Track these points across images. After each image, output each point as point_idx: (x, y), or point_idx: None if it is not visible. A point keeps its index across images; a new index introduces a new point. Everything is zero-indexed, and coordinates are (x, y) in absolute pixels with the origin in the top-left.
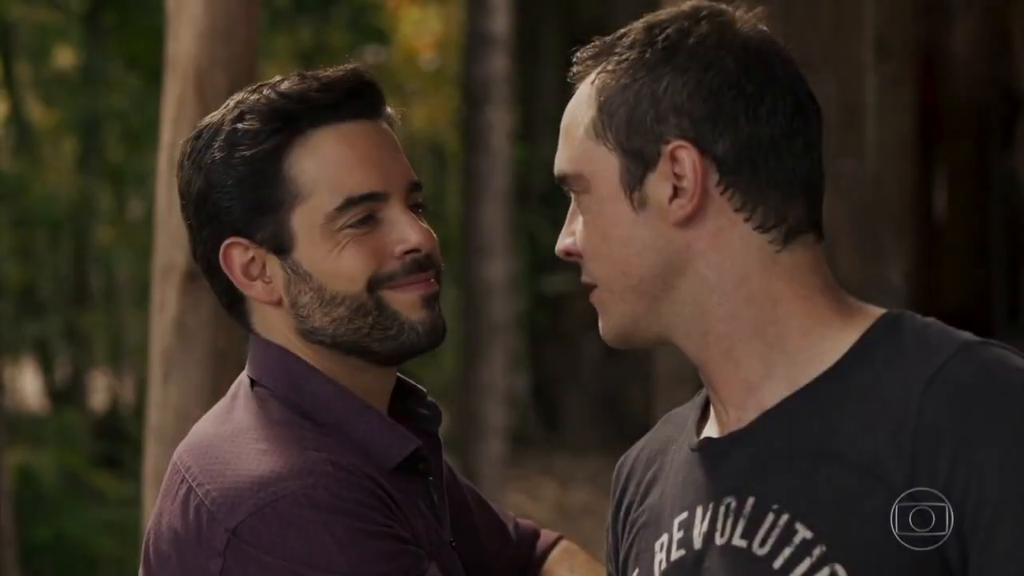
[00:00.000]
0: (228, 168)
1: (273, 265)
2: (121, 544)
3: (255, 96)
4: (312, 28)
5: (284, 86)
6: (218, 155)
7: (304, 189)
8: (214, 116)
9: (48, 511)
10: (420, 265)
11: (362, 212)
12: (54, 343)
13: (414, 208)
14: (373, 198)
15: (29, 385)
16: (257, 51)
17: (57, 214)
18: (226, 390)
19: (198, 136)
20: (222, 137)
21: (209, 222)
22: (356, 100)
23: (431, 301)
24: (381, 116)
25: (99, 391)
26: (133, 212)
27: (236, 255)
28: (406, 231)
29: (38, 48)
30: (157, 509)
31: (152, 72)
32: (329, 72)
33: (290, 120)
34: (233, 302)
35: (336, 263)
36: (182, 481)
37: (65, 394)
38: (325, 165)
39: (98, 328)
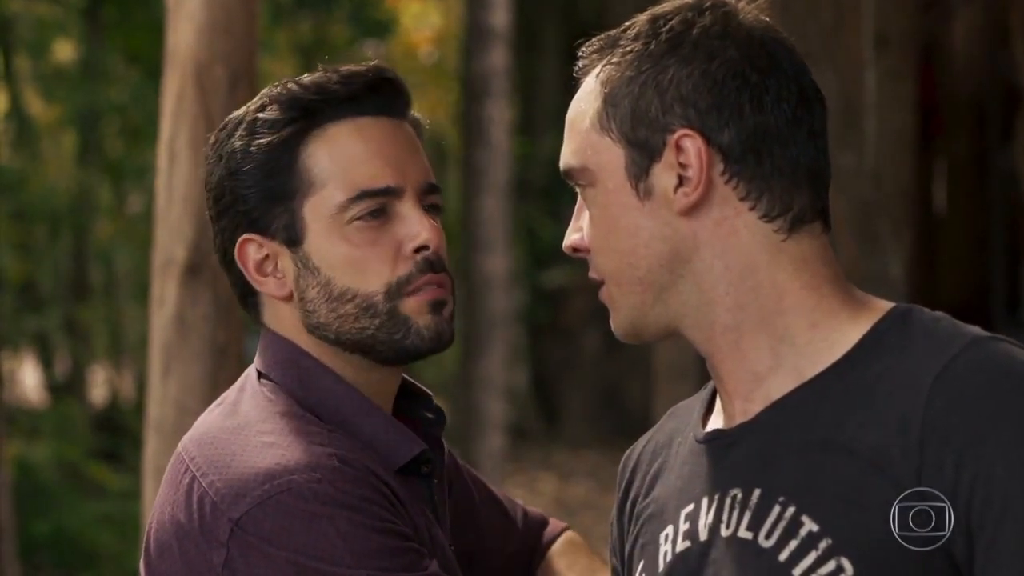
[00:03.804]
0: (246, 156)
1: (285, 260)
2: (120, 538)
3: (279, 89)
4: (312, 22)
5: (306, 79)
6: (238, 144)
7: (317, 180)
8: (241, 109)
9: (47, 505)
10: (432, 266)
11: (373, 205)
12: (54, 337)
13: (430, 209)
14: (385, 193)
15: (29, 379)
16: (257, 45)
17: (57, 208)
18: (225, 384)
19: (223, 128)
20: (243, 126)
21: (227, 211)
22: (376, 95)
23: (439, 307)
24: (403, 115)
25: (99, 385)
26: (133, 206)
27: (251, 251)
28: (416, 227)
29: (37, 42)
30: (159, 499)
31: (152, 66)
32: (352, 67)
33: (308, 111)
34: (246, 294)
35: (346, 257)
36: (186, 471)
37: (65, 388)
38: (339, 157)
39: (98, 322)
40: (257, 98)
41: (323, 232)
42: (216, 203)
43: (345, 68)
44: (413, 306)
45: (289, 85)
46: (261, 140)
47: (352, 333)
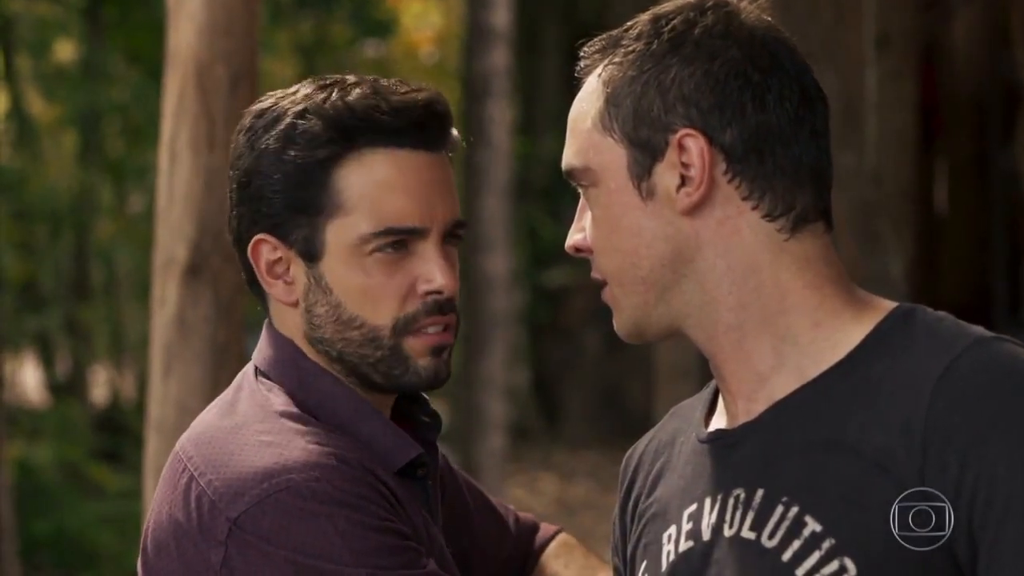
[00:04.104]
0: (278, 162)
1: (298, 269)
2: (121, 538)
3: (323, 95)
4: (313, 22)
5: (354, 95)
6: (272, 144)
7: (346, 204)
8: (283, 99)
9: (48, 505)
10: (441, 308)
11: (395, 240)
12: (55, 337)
13: (451, 238)
14: (410, 233)
15: (30, 379)
16: (258, 45)
17: (57, 208)
18: (226, 384)
19: (260, 115)
20: (281, 127)
21: (248, 203)
22: (421, 131)
23: (440, 350)
24: (442, 148)
25: (99, 385)
26: (134, 206)
27: (264, 251)
28: (434, 271)
29: (38, 42)
30: (157, 498)
31: (153, 66)
32: (403, 94)
33: (349, 135)
34: (254, 281)
35: (360, 286)
36: (183, 470)
37: (66, 388)
38: (371, 187)
39: (99, 322)
40: (300, 96)
41: (342, 256)
42: (240, 189)
43: (396, 96)
44: (416, 347)
45: (335, 98)
46: (295, 152)
47: (354, 357)
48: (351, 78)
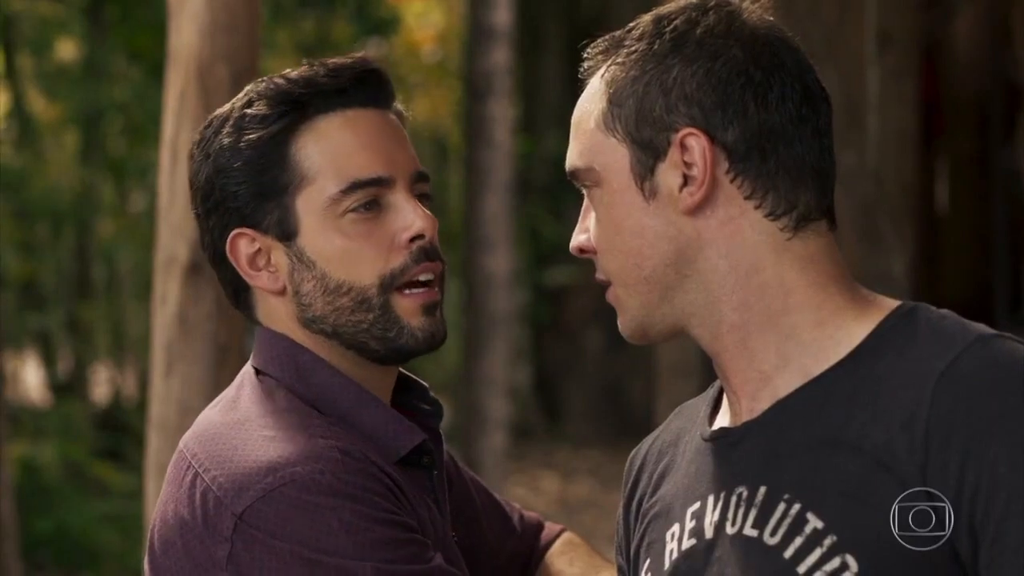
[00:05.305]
0: (235, 153)
1: (278, 254)
2: (123, 536)
3: (264, 84)
4: (315, 20)
5: (293, 74)
6: (226, 141)
7: (309, 173)
8: (225, 106)
9: (50, 504)
10: (427, 254)
11: (366, 196)
12: (56, 336)
13: (420, 198)
14: (377, 183)
15: (31, 378)
16: (260, 44)
17: (59, 207)
18: (227, 383)
19: (208, 125)
20: (230, 123)
21: (216, 209)
22: (363, 88)
23: (432, 308)
24: (389, 106)
25: (101, 384)
26: (135, 205)
27: (242, 246)
28: (410, 217)
29: (40, 41)
30: (162, 496)
31: (154, 65)
32: (337, 59)
33: (297, 105)
34: (238, 292)
35: (341, 250)
36: (188, 467)
37: (67, 387)
38: (329, 149)
39: (100, 321)
40: (242, 94)
41: (317, 225)
42: (204, 201)
43: (331, 61)
44: (406, 307)
45: (276, 80)
46: (250, 136)
47: (348, 327)
48: (289, 69)
